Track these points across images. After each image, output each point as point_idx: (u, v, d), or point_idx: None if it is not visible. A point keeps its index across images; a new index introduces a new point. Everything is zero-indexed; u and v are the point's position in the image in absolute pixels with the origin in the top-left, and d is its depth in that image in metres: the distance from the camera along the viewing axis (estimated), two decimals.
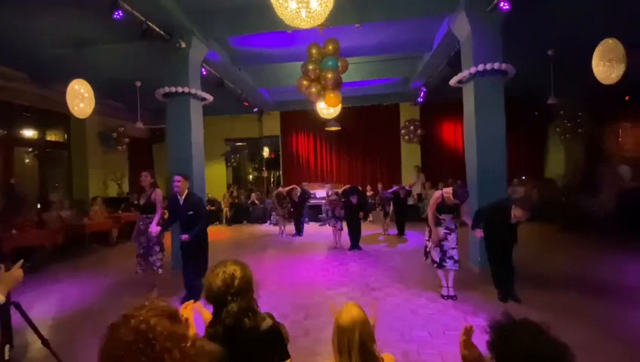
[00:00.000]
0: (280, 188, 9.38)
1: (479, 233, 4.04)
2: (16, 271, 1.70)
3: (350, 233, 6.95)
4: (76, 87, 5.13)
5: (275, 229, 9.17)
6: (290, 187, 8.95)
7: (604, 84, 4.78)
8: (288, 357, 1.54)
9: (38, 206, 7.98)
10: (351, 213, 6.89)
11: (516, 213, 3.69)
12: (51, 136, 9.18)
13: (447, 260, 4.06)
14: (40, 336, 2.00)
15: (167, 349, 0.83)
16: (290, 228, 8.88)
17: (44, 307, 4.27)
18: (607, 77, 4.71)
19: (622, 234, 6.63)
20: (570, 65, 6.40)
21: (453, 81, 5.62)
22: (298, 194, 8.69)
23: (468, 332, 1.31)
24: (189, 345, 0.89)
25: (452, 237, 4.08)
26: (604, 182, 8.07)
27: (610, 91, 6.14)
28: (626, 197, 7.18)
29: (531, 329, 1.08)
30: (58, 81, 6.83)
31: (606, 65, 4.67)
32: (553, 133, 10.51)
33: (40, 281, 5.29)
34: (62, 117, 8.31)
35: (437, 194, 4.12)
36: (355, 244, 6.88)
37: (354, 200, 6.77)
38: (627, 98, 8.83)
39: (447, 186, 4.81)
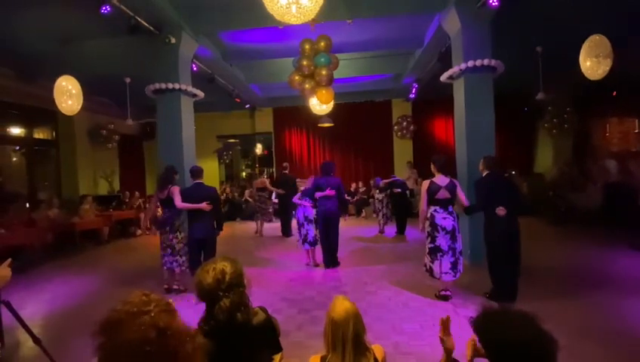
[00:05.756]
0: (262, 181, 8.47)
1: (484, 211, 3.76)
2: (4, 270, 1.66)
3: (325, 243, 5.25)
4: (64, 83, 5.04)
5: (269, 226, 8.45)
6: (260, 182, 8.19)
7: (591, 79, 4.87)
8: (280, 350, 1.57)
9: (27, 205, 7.86)
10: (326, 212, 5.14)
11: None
12: (39, 134, 9.01)
13: (450, 271, 3.78)
14: (31, 335, 2.00)
15: (181, 343, 0.84)
16: (270, 226, 8.16)
17: (35, 306, 4.24)
18: (594, 72, 4.79)
19: (608, 228, 6.80)
20: (558, 61, 6.49)
21: (443, 77, 5.66)
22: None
23: (445, 323, 1.42)
24: (191, 339, 0.90)
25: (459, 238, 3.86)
26: (591, 176, 8.25)
27: (597, 87, 6.27)
28: (612, 191, 7.34)
29: (517, 317, 1.11)
30: (45, 78, 6.69)
31: (593, 60, 4.76)
32: (542, 129, 10.67)
33: (30, 280, 5.24)
34: (49, 114, 8.17)
35: (424, 183, 3.96)
36: (332, 257, 5.28)
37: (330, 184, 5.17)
38: (614, 93, 9.00)
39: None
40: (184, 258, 4.45)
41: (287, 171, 8.32)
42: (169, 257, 4.43)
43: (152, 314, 0.84)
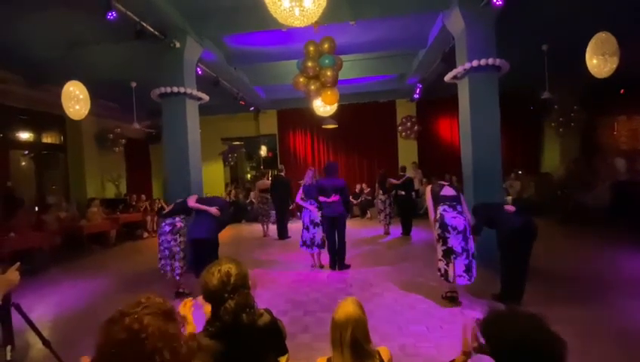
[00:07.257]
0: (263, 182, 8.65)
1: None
2: (12, 274, 1.63)
3: (330, 245, 5.25)
4: (71, 88, 5.13)
5: (274, 228, 8.37)
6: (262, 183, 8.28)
7: (597, 77, 4.82)
8: (286, 352, 1.57)
9: (36, 208, 7.97)
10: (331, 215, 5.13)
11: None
12: (47, 139, 9.14)
13: (463, 274, 3.64)
14: (41, 337, 2.02)
15: (157, 349, 0.84)
16: (275, 227, 8.10)
17: (44, 308, 4.29)
18: (601, 70, 4.75)
19: (617, 227, 6.70)
20: (564, 59, 6.43)
21: (448, 77, 5.64)
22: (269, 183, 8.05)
23: (467, 328, 1.29)
24: (181, 344, 0.90)
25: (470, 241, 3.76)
26: (600, 175, 8.14)
27: (604, 85, 6.20)
28: (620, 190, 7.24)
29: (525, 318, 1.10)
30: (53, 83, 6.80)
31: (599, 58, 4.71)
32: (548, 128, 10.57)
33: (40, 283, 5.30)
34: (57, 119, 8.28)
35: (427, 189, 4.01)
36: (340, 260, 5.26)
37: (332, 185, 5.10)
38: (622, 91, 8.88)
39: (443, 180, 4.71)
40: (182, 262, 4.42)
41: (282, 173, 8.30)
42: (166, 260, 4.40)
43: (136, 316, 0.86)
